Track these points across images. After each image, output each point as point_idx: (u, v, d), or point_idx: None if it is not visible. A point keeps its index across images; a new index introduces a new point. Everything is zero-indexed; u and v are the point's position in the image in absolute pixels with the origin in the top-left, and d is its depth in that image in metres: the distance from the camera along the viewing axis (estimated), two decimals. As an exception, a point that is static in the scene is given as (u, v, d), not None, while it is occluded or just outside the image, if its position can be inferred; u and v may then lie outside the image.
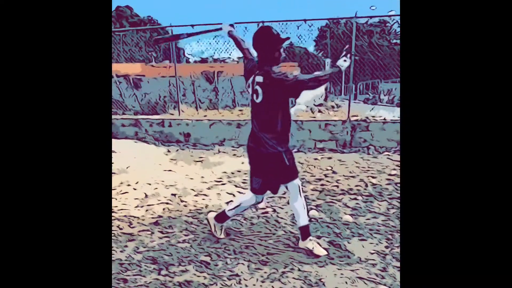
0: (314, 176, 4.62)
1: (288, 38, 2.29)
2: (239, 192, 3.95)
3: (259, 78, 2.25)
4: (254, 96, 2.30)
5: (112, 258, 2.44)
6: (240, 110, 8.78)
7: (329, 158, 5.67)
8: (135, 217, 3.25)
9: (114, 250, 2.57)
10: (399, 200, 3.46)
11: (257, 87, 2.26)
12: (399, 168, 4.06)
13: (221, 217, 2.72)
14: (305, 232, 2.49)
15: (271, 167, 2.38)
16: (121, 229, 2.97)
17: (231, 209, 2.66)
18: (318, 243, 2.54)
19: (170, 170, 4.96)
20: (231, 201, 3.48)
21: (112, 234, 2.84)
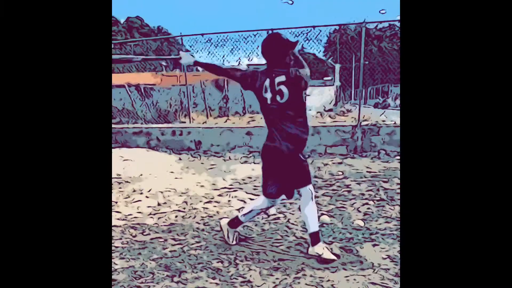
0: (325, 181, 4.61)
1: (297, 42, 2.33)
2: (250, 198, 3.96)
3: (281, 78, 2.27)
4: (278, 97, 2.30)
5: (126, 266, 2.47)
6: (250, 117, 8.83)
7: (340, 163, 5.65)
8: (148, 224, 3.29)
9: (127, 257, 2.61)
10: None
11: (281, 87, 2.28)
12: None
13: (234, 223, 2.74)
14: (315, 238, 2.48)
15: (289, 169, 2.41)
16: (134, 236, 3.01)
17: (244, 215, 2.68)
18: (327, 248, 2.50)
19: (181, 178, 5.01)
20: (243, 207, 3.49)
21: (126, 242, 2.88)
